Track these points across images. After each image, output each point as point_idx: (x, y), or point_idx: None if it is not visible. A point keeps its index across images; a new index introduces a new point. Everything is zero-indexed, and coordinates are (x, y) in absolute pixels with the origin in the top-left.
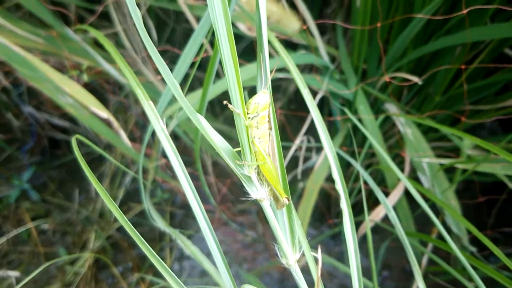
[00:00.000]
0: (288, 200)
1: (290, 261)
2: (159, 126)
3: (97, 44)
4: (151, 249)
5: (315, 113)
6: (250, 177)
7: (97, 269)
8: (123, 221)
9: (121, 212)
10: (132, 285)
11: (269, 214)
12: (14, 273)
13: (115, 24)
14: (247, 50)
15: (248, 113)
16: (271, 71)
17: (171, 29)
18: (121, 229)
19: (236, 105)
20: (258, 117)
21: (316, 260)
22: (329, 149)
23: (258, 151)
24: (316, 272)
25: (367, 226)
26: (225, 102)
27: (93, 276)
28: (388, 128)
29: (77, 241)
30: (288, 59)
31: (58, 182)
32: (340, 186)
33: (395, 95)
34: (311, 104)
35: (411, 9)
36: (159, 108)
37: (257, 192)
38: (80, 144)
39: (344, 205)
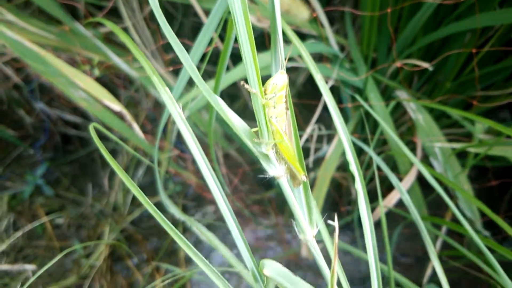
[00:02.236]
0: (306, 177)
1: (307, 236)
2: (175, 111)
3: (107, 39)
4: (174, 228)
5: (328, 97)
6: (267, 155)
7: (112, 262)
8: (146, 203)
9: (143, 194)
10: (147, 276)
11: (287, 191)
12: (30, 267)
13: (124, 19)
14: (257, 41)
15: (266, 94)
16: (285, 57)
17: (180, 23)
18: (135, 221)
19: (253, 85)
20: (275, 97)
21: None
22: (343, 132)
23: (275, 130)
24: (333, 244)
25: (381, 210)
26: (242, 82)
27: (108, 268)
28: (398, 116)
29: (91, 234)
30: (300, 46)
31: (71, 177)
32: (354, 167)
33: (406, 83)
34: (324, 88)
35: None
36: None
37: (275, 169)
38: (91, 140)
39: (359, 186)
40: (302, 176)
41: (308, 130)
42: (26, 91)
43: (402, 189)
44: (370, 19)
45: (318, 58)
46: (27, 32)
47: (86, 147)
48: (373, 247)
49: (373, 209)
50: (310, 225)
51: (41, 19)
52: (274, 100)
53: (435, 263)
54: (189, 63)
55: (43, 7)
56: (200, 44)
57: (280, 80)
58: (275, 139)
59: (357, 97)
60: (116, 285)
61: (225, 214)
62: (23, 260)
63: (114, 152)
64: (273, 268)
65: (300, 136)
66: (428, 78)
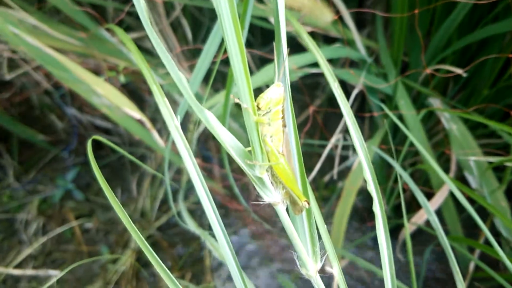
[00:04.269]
0: (308, 203)
1: (310, 272)
2: (173, 124)
3: (137, 45)
4: (168, 271)
5: (344, 107)
6: (262, 179)
7: (139, 268)
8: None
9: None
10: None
11: (285, 220)
12: (54, 272)
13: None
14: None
15: (259, 109)
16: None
17: (207, 28)
18: (161, 228)
19: (244, 99)
20: (270, 113)
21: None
22: (360, 146)
23: (270, 151)
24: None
25: (406, 232)
26: (231, 95)
27: (135, 274)
28: (433, 125)
29: (119, 240)
30: (316, 51)
31: None
32: (372, 187)
33: (440, 89)
34: (341, 98)
35: None
36: (183, 105)
37: (271, 195)
38: (123, 144)
39: (377, 209)
40: (304, 202)
41: (333, 140)
42: (57, 97)
43: (429, 208)
44: (400, 20)
45: (349, 64)
46: (52, 39)
47: (116, 152)
48: (392, 275)
49: (402, 226)
50: (313, 258)
51: (71, 25)
52: (268, 116)
53: None
54: (165, 55)
55: (69, 14)
56: (210, 47)
57: (275, 94)
58: (270, 160)
59: (383, 106)
60: None
61: (213, 225)
62: (51, 264)
63: (143, 157)
64: None
65: (325, 146)
66: (464, 85)
